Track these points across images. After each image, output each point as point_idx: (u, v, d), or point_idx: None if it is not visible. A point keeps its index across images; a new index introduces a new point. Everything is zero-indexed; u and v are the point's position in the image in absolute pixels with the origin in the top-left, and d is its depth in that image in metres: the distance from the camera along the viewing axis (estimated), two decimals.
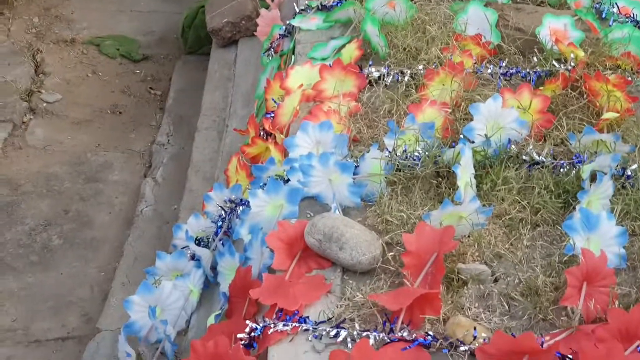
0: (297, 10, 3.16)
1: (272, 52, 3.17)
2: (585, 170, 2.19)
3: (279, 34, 3.19)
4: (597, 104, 2.45)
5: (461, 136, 2.31)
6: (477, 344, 1.87)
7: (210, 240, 2.55)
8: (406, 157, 2.28)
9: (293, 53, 2.98)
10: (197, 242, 2.55)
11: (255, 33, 3.52)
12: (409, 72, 2.63)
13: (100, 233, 3.32)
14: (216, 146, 3.24)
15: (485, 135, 2.28)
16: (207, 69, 3.84)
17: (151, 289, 2.42)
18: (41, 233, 3.31)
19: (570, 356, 1.84)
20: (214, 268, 2.48)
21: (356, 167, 2.33)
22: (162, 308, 2.41)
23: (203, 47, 4.13)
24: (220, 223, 2.53)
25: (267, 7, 3.53)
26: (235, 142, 3.09)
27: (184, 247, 2.56)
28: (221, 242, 2.50)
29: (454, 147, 2.27)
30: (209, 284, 2.48)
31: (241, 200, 2.50)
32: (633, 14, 2.93)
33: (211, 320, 2.26)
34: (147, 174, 3.55)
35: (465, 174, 2.17)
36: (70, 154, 3.68)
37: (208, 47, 4.02)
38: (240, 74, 3.52)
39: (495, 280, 2.05)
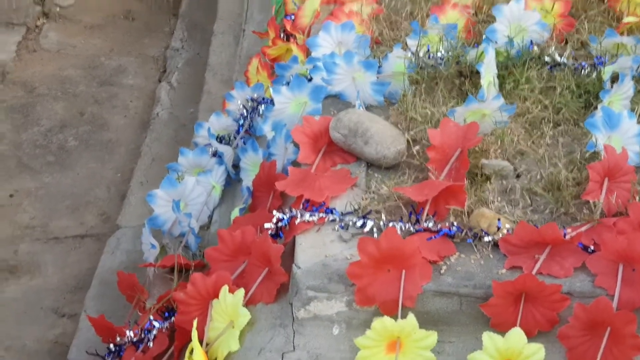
0: None
1: None
2: (607, 72, 2.22)
3: None
4: (618, 9, 2.47)
5: (484, 37, 2.34)
6: (500, 235, 1.93)
7: (231, 138, 2.59)
8: (429, 57, 2.31)
9: None
10: (218, 140, 2.59)
11: None
12: None
13: (115, 135, 3.36)
14: (233, 50, 3.25)
15: (508, 36, 2.30)
16: None
17: (175, 183, 2.47)
18: (57, 134, 3.35)
19: (592, 247, 1.90)
20: (235, 166, 2.52)
21: (379, 67, 2.35)
22: (185, 203, 2.45)
23: None
24: (242, 121, 2.56)
25: None
26: (252, 46, 3.11)
27: (206, 145, 2.59)
28: (242, 140, 2.54)
29: (476, 47, 2.30)
30: (231, 181, 2.53)
31: (263, 98, 2.54)
32: None
33: (235, 213, 2.31)
34: (161, 79, 3.57)
35: (488, 73, 2.20)
36: (84, 57, 3.69)
37: None
38: None
39: (518, 176, 2.10)
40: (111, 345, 2.20)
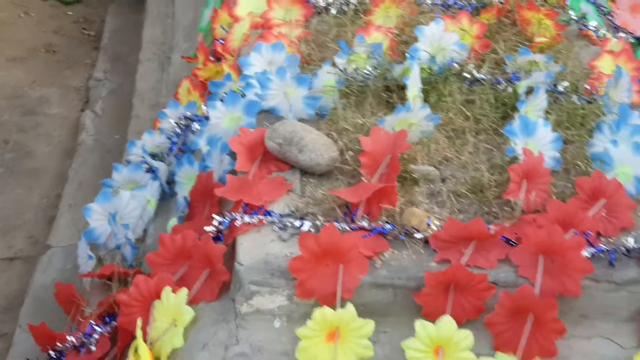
0: None
1: None
2: (522, 86, 2.39)
3: None
4: (529, 32, 2.65)
5: (407, 55, 2.48)
6: (430, 232, 2.06)
7: (165, 155, 2.67)
8: (358, 73, 2.44)
9: None
10: (151, 157, 2.66)
11: None
12: (354, 0, 2.79)
13: (41, 163, 3.40)
14: (159, 77, 3.34)
15: (430, 53, 2.46)
16: (142, 10, 3.93)
17: (110, 197, 2.53)
18: None
19: (514, 241, 2.05)
20: (169, 182, 2.60)
21: (310, 83, 2.48)
22: (120, 216, 2.51)
23: None
24: (175, 138, 2.65)
25: None
26: (179, 72, 3.20)
27: (140, 162, 2.66)
28: (176, 157, 2.63)
29: (402, 64, 2.44)
30: (165, 196, 2.60)
31: (196, 116, 2.63)
32: None
33: (173, 222, 2.39)
34: (85, 108, 3.62)
35: (414, 87, 2.35)
36: (7, 88, 3.73)
37: None
38: (179, 10, 3.63)
39: (443, 180, 2.24)
40: (51, 352, 2.24)
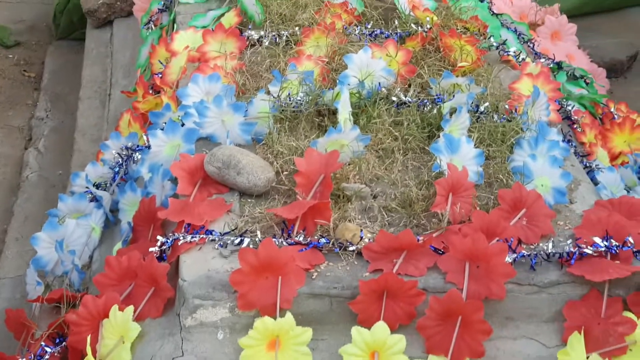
0: None
1: (152, 26, 3.40)
2: (446, 107, 2.54)
3: (158, 9, 3.43)
4: (452, 58, 2.81)
5: (338, 81, 2.62)
6: (363, 244, 2.19)
7: (108, 185, 2.77)
8: (290, 99, 2.57)
9: (174, 23, 3.23)
10: (95, 187, 2.76)
11: (133, 9, 3.74)
12: (286, 33, 2.93)
13: None
14: (100, 113, 3.44)
15: (359, 79, 2.60)
16: (80, 51, 4.05)
17: (56, 226, 2.62)
18: None
19: (441, 250, 2.18)
20: (112, 210, 2.70)
21: (245, 110, 2.60)
22: (66, 244, 2.60)
23: (75, 32, 4.32)
24: (117, 168, 2.75)
25: None
26: (119, 108, 3.31)
27: (84, 192, 2.76)
28: (118, 186, 2.73)
29: (332, 90, 2.58)
30: (109, 224, 2.70)
31: (137, 146, 2.73)
32: None
33: (118, 246, 2.48)
34: (28, 146, 3.71)
35: (344, 110, 2.48)
36: None
37: (80, 32, 4.23)
38: (117, 49, 3.74)
39: (374, 197, 2.37)
40: None
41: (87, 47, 3.94)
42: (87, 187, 2.74)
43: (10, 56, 4.36)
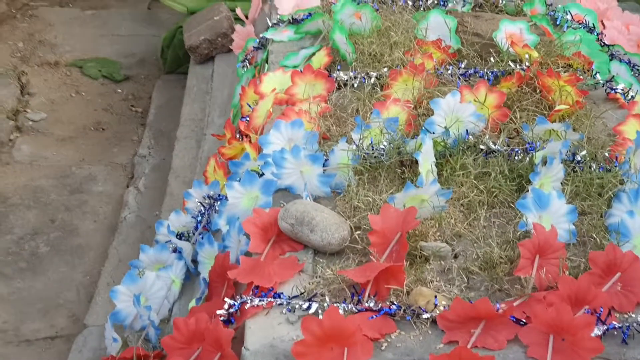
0: (270, 24, 3.34)
1: (247, 64, 3.34)
2: (538, 156, 2.36)
3: (253, 47, 3.36)
4: (550, 99, 2.62)
5: (422, 129, 2.48)
6: (438, 312, 2.04)
7: (190, 234, 2.70)
8: (372, 149, 2.45)
9: (266, 62, 3.16)
10: (178, 236, 2.70)
11: (231, 47, 3.70)
12: (374, 74, 2.80)
13: (85, 240, 3.46)
14: (195, 153, 3.40)
15: (445, 127, 2.45)
16: (186, 85, 4.01)
17: (136, 279, 2.57)
18: (29, 241, 3.45)
19: (523, 320, 2.01)
20: (194, 261, 2.63)
21: (326, 160, 2.49)
22: (146, 297, 2.55)
23: (181, 66, 4.31)
24: (199, 218, 2.68)
25: (242, 24, 3.70)
26: (212, 149, 3.25)
27: (166, 242, 2.70)
28: (201, 235, 2.66)
29: (416, 138, 2.44)
30: (191, 276, 2.63)
31: (219, 195, 2.66)
32: (585, 20, 3.13)
33: (192, 304, 2.41)
34: (129, 184, 3.70)
35: (426, 161, 2.34)
36: (56, 168, 3.83)
37: (186, 66, 4.20)
38: (217, 87, 3.69)
39: (455, 257, 2.21)
40: None
41: (189, 84, 3.91)
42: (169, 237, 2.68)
43: (119, 91, 4.39)
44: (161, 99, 4.21)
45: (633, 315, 2.01)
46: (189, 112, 3.69)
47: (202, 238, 2.57)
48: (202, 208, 2.69)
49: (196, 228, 2.69)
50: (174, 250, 2.66)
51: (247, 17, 3.73)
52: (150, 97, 4.28)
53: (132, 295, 2.53)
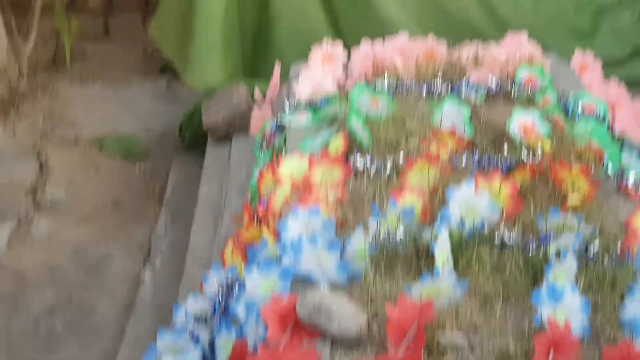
0: (288, 107, 3.41)
1: (265, 146, 3.41)
2: (551, 249, 2.40)
3: (271, 130, 3.43)
4: (564, 190, 2.67)
5: (438, 219, 2.52)
6: None
7: (208, 318, 2.74)
8: (388, 239, 2.49)
9: (284, 145, 3.22)
10: (196, 320, 2.74)
11: (250, 128, 3.78)
12: (390, 162, 2.86)
13: (102, 319, 3.51)
14: (212, 234, 3.45)
15: (460, 218, 2.50)
16: (203, 164, 4.08)
17: None
18: (46, 320, 3.49)
19: None
20: (211, 345, 2.66)
21: (343, 248, 2.53)
22: None
23: (198, 144, 4.38)
24: (217, 303, 2.72)
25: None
26: (230, 229, 3.30)
27: (184, 326, 2.73)
28: (218, 321, 2.69)
29: (431, 227, 2.48)
30: None
31: (237, 280, 2.70)
32: (596, 111, 3.20)
33: None
34: (146, 262, 3.75)
35: (442, 253, 2.38)
36: (74, 246, 3.89)
37: (204, 146, 4.28)
38: (234, 167, 3.76)
39: (472, 349, 2.24)
40: None
41: (206, 164, 3.99)
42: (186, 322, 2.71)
43: (138, 169, 4.47)
44: (178, 177, 4.28)
45: None
46: (207, 192, 3.75)
47: (220, 323, 2.60)
48: (220, 293, 2.72)
49: (214, 312, 2.72)
50: (191, 335, 2.69)
51: (264, 97, 3.82)
52: (167, 175, 4.36)
53: None
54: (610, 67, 3.89)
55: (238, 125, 4.03)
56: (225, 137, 4.06)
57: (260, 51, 4.78)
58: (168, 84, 5.22)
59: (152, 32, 5.00)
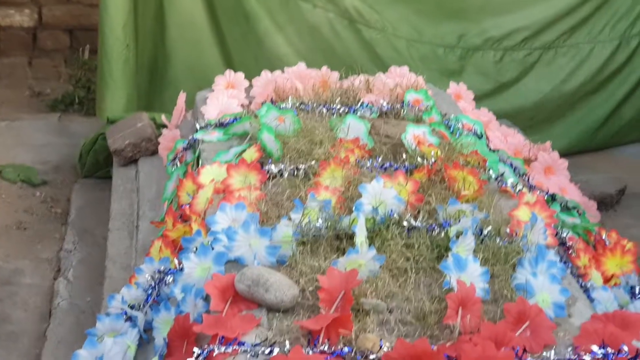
0: (198, 127, 3.73)
1: (177, 162, 3.71)
2: (453, 230, 2.81)
3: (183, 147, 3.74)
4: (456, 187, 3.09)
5: (354, 208, 2.89)
6: (382, 353, 2.41)
7: (141, 306, 2.99)
8: (310, 226, 2.84)
9: (198, 159, 3.53)
10: (129, 307, 2.99)
11: (159, 148, 4.06)
12: (303, 166, 3.22)
13: (18, 327, 3.67)
14: (128, 243, 3.70)
15: (373, 206, 2.87)
16: (105, 188, 4.35)
17: (95, 344, 2.83)
18: None
19: (455, 357, 2.40)
20: (145, 330, 2.92)
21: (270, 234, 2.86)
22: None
23: (100, 170, 4.63)
24: (150, 291, 2.98)
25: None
26: (147, 238, 3.56)
27: (121, 312, 2.98)
28: (151, 307, 2.95)
29: (349, 216, 2.85)
30: (143, 343, 2.91)
31: (169, 270, 2.98)
32: (474, 129, 3.67)
33: None
34: (57, 277, 3.95)
35: (361, 234, 2.74)
36: None
37: (104, 171, 4.54)
38: (144, 184, 4.03)
39: (391, 311, 2.60)
40: None
41: (115, 184, 4.23)
42: (122, 308, 2.96)
43: (38, 194, 4.65)
44: (81, 201, 4.50)
45: (544, 354, 2.43)
46: (118, 208, 3.99)
47: (157, 306, 2.87)
48: (153, 282, 2.99)
49: (147, 300, 2.98)
50: (127, 319, 2.94)
51: (169, 123, 4.12)
52: (68, 200, 4.56)
53: (94, 358, 2.79)
54: (477, 101, 4.40)
55: (144, 148, 4.31)
56: (131, 160, 4.33)
57: (156, 85, 5.09)
58: (60, 119, 5.44)
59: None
